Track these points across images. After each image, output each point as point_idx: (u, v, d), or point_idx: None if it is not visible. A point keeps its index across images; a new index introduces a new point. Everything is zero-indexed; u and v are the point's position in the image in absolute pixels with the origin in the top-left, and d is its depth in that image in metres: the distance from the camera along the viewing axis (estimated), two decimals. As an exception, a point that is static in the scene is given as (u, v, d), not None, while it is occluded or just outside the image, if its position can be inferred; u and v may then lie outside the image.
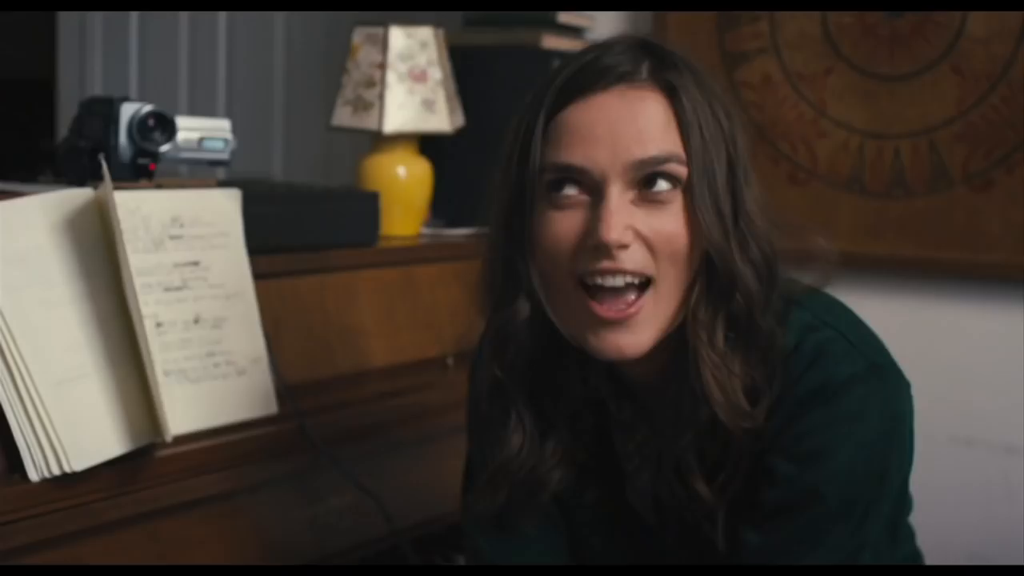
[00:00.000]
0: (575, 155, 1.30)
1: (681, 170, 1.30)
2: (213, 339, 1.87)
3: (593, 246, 1.29)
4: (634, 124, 1.30)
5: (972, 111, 2.46)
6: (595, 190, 1.30)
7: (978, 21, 2.45)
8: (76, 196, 1.72)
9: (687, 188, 1.30)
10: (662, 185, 1.30)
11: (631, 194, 1.30)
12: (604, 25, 2.90)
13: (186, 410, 1.79)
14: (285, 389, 1.95)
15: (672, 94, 1.31)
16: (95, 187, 1.75)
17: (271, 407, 1.92)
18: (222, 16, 4.26)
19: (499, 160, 1.44)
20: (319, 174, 3.90)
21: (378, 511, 1.95)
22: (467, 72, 2.74)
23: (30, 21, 5.44)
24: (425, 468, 2.18)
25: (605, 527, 1.53)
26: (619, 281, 1.30)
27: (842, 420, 1.30)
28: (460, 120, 2.66)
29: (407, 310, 2.37)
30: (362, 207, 2.36)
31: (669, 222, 1.30)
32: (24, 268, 1.61)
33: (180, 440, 1.73)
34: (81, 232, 1.69)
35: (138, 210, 1.82)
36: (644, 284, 1.31)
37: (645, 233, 1.30)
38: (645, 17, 2.81)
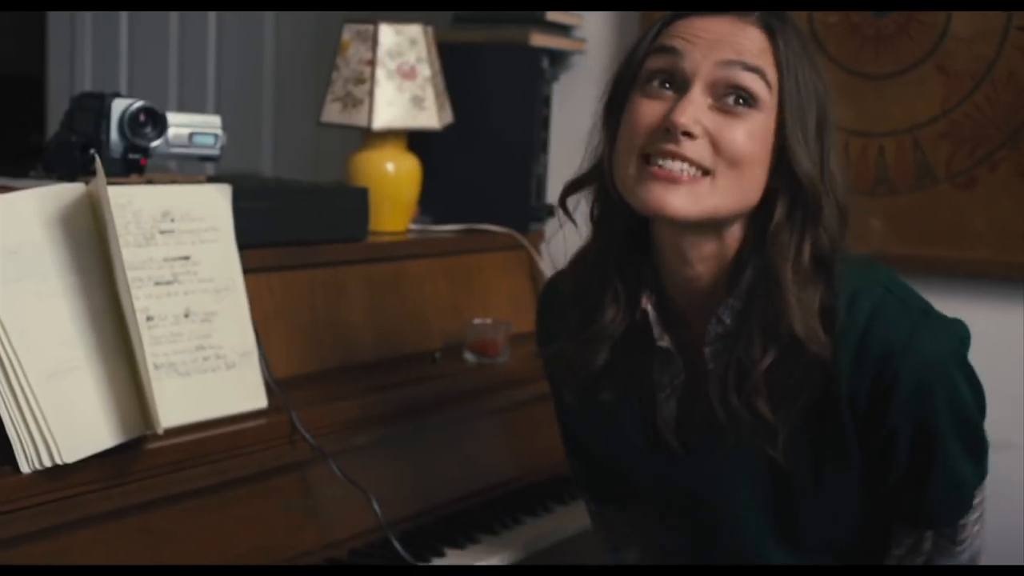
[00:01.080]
0: (675, 42, 1.45)
1: (761, 87, 1.43)
2: (203, 333, 1.88)
3: (665, 128, 1.42)
4: (733, 38, 1.44)
5: (956, 110, 2.48)
6: (683, 86, 1.44)
7: (962, 21, 2.47)
8: (68, 191, 1.73)
9: (778, 115, 1.44)
10: (739, 100, 1.43)
11: (711, 100, 1.43)
12: (592, 23, 2.92)
13: (176, 403, 1.80)
14: (274, 383, 1.96)
15: (774, 36, 1.45)
16: (86, 182, 1.76)
17: (260, 400, 1.93)
18: (212, 13, 4.27)
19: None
20: (309, 170, 3.90)
21: (367, 504, 1.96)
22: (456, 69, 2.76)
23: (20, 17, 5.44)
24: (414, 461, 2.19)
25: (634, 448, 1.66)
26: (677, 166, 1.42)
27: (925, 373, 1.44)
28: (449, 117, 2.68)
29: (395, 305, 2.39)
30: (351, 203, 2.38)
31: (739, 133, 1.42)
32: (17, 262, 1.62)
33: (170, 433, 1.74)
34: (73, 226, 1.71)
35: (129, 205, 1.83)
36: (703, 175, 1.43)
37: (713, 133, 1.42)
38: (632, 17, 2.83)
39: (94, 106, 2.04)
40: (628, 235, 1.54)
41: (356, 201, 2.39)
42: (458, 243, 2.66)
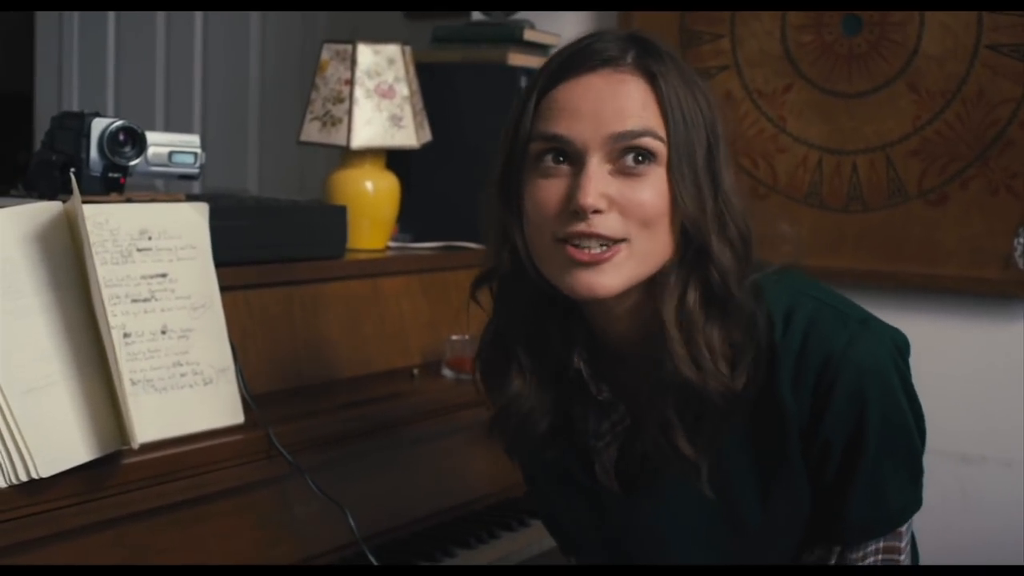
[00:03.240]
0: (560, 126, 1.42)
1: (657, 145, 1.41)
2: (180, 349, 1.90)
3: (572, 211, 1.40)
4: (615, 102, 1.41)
5: (927, 127, 2.52)
6: (577, 160, 1.41)
7: (933, 40, 2.51)
8: (46, 209, 1.75)
9: (667, 164, 1.42)
10: (638, 159, 1.41)
11: (609, 166, 1.41)
12: (570, 42, 2.95)
13: (153, 419, 1.82)
14: (251, 398, 1.98)
15: (653, 79, 1.43)
16: (65, 200, 1.78)
17: (238, 416, 1.95)
18: (198, 31, 4.29)
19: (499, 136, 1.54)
20: (293, 188, 3.93)
21: (343, 519, 1.98)
22: (434, 88, 2.79)
23: (8, 34, 5.46)
24: (390, 477, 2.21)
25: (578, 494, 1.66)
26: (593, 244, 1.40)
27: (860, 379, 1.43)
28: (427, 135, 2.70)
29: (373, 322, 2.41)
30: (329, 221, 2.40)
31: (644, 192, 1.41)
32: (-6, 279, 1.65)
33: (147, 448, 1.75)
34: (51, 244, 1.73)
35: (107, 223, 1.85)
36: (614, 245, 1.42)
37: (620, 201, 1.40)
38: (609, 24, 2.85)
39: (74, 125, 2.06)
40: (536, 307, 1.53)
41: (334, 219, 2.41)
42: (436, 260, 2.68)
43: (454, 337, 2.47)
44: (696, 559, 1.60)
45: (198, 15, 4.28)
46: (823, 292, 1.51)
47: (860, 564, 1.50)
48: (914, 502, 1.51)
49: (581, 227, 1.40)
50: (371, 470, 2.17)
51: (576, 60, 1.44)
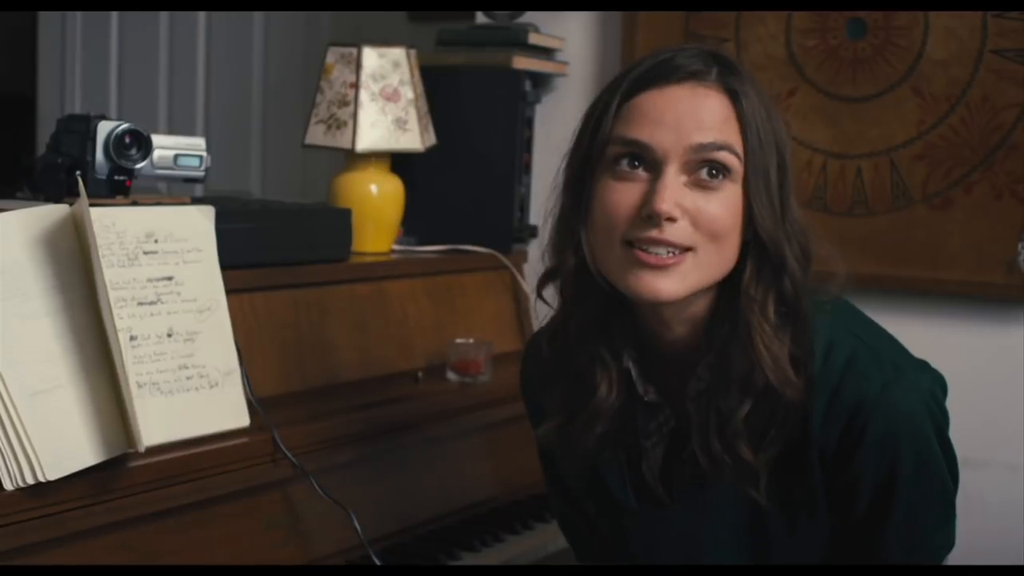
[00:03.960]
0: (643, 133, 1.45)
1: (733, 161, 1.45)
2: (186, 352, 1.91)
3: (646, 215, 1.43)
4: (697, 114, 1.45)
5: (932, 131, 2.52)
6: (655, 167, 1.44)
7: (938, 44, 2.51)
8: (52, 212, 1.75)
9: (743, 180, 1.46)
10: (712, 173, 1.44)
11: (685, 177, 1.44)
12: (574, 46, 2.95)
13: (159, 421, 1.83)
14: (257, 401, 1.98)
15: (735, 97, 1.47)
16: (71, 203, 1.79)
17: (243, 419, 1.95)
18: (201, 34, 4.29)
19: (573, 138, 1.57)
20: (296, 191, 3.93)
21: (348, 522, 1.98)
22: (439, 91, 2.79)
23: (11, 36, 5.46)
24: (396, 480, 2.22)
25: (619, 505, 1.66)
26: (662, 251, 1.44)
27: (894, 426, 1.46)
28: (432, 139, 2.71)
29: (378, 325, 2.41)
30: (334, 224, 2.41)
31: (716, 206, 1.44)
32: (1, 282, 1.65)
33: (153, 451, 1.76)
34: (57, 247, 1.73)
35: (113, 226, 1.85)
36: (683, 251, 1.45)
37: (692, 211, 1.44)
38: (615, 37, 2.85)
39: (80, 128, 2.06)
40: (605, 306, 1.54)
41: (339, 222, 2.42)
42: (441, 263, 2.68)
43: (459, 340, 2.47)
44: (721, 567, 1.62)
45: (201, 16, 4.28)
46: (864, 329, 1.54)
47: None
48: (948, 543, 1.54)
49: (653, 233, 1.43)
50: (376, 473, 2.17)
51: (661, 70, 1.47)
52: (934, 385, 1.52)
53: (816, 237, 1.54)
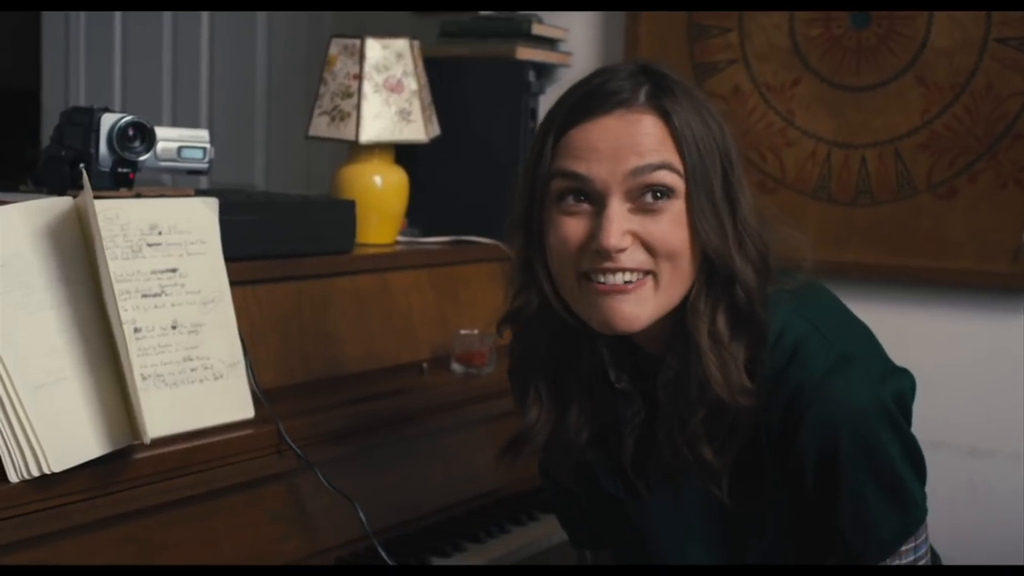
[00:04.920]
0: (579, 165, 1.46)
1: (674, 179, 1.45)
2: (190, 344, 1.91)
3: (595, 250, 1.44)
4: (631, 140, 1.45)
5: (936, 121, 2.51)
6: (598, 200, 1.46)
7: (942, 33, 2.50)
8: (56, 204, 1.75)
9: (686, 197, 1.46)
10: (656, 195, 1.45)
11: (629, 204, 1.45)
12: (578, 36, 2.95)
13: (164, 413, 1.83)
14: (261, 393, 1.98)
15: (666, 116, 1.46)
16: (75, 195, 1.79)
17: (247, 411, 1.95)
18: (204, 27, 4.29)
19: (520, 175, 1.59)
20: (300, 183, 3.93)
21: (353, 513, 1.98)
22: (442, 82, 2.79)
23: (16, 31, 5.46)
24: (400, 471, 2.22)
25: (610, 498, 1.68)
26: (619, 278, 1.45)
27: (832, 413, 1.46)
28: (436, 130, 2.70)
29: (382, 316, 2.41)
30: (338, 215, 2.41)
31: (665, 227, 1.45)
32: (5, 274, 1.65)
33: (157, 443, 1.76)
34: (61, 239, 1.73)
35: (117, 218, 1.85)
36: (640, 279, 1.46)
37: (643, 236, 1.45)
38: (618, 27, 2.85)
39: (83, 121, 2.06)
40: (571, 330, 1.56)
41: (343, 213, 2.42)
42: (445, 255, 2.68)
43: (463, 332, 2.47)
44: (704, 559, 1.63)
45: (205, 9, 4.28)
46: (825, 317, 1.53)
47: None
48: (902, 532, 1.52)
49: (606, 264, 1.45)
50: (381, 464, 2.17)
51: (590, 102, 1.48)
52: (891, 379, 1.51)
53: (780, 227, 1.54)
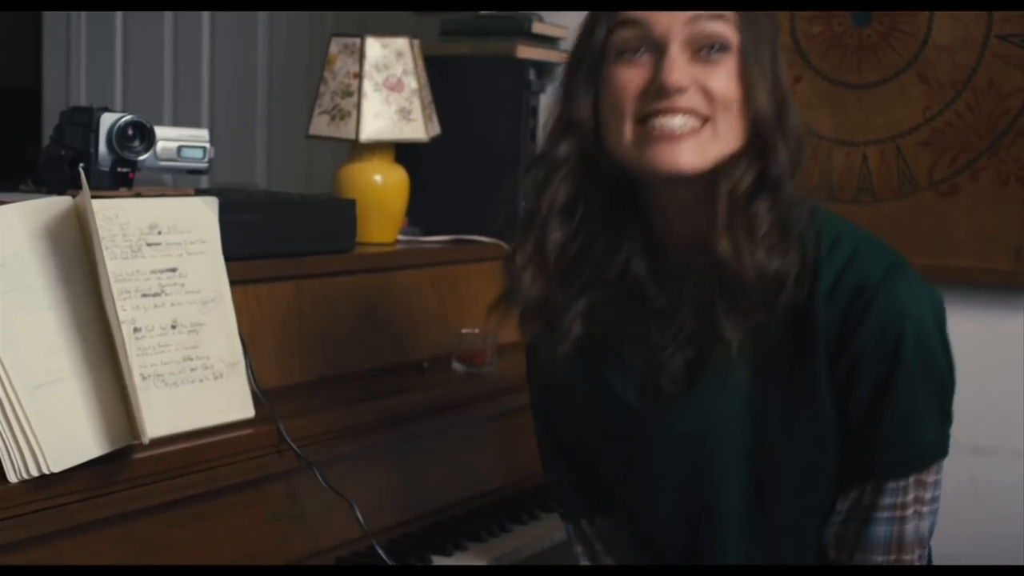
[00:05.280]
0: (638, 14, 1.49)
1: (731, 32, 1.49)
2: (190, 344, 1.90)
3: (656, 89, 1.48)
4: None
5: (937, 118, 2.51)
6: (658, 48, 1.49)
7: (943, 30, 2.50)
8: (55, 204, 1.75)
9: (739, 53, 1.49)
10: (712, 48, 1.49)
11: (688, 54, 1.49)
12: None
13: (163, 413, 1.82)
14: (262, 393, 1.98)
15: None
16: (75, 195, 1.78)
17: (248, 410, 1.95)
18: (205, 26, 4.29)
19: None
20: (301, 182, 3.93)
21: (353, 513, 1.98)
22: (443, 81, 2.78)
23: (16, 30, 5.46)
24: (400, 471, 2.21)
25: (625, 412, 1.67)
26: (676, 120, 1.48)
27: (895, 310, 1.49)
28: (436, 129, 2.70)
29: (383, 315, 2.41)
30: (339, 214, 2.40)
31: (722, 77, 1.49)
32: (3, 274, 1.64)
33: (157, 443, 1.75)
34: (60, 239, 1.73)
35: (116, 217, 1.85)
36: (699, 127, 1.49)
37: (701, 82, 1.48)
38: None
39: (83, 120, 2.06)
40: (610, 204, 1.59)
41: (343, 212, 2.41)
42: (446, 254, 2.68)
43: (464, 331, 2.47)
44: (726, 478, 1.62)
45: (206, 9, 4.28)
46: (871, 233, 1.58)
47: (903, 507, 1.54)
48: (942, 445, 1.56)
49: (664, 104, 1.47)
50: (382, 464, 2.17)
51: None
52: (937, 296, 1.56)
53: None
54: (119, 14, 4.47)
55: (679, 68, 1.47)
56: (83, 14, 4.56)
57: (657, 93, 1.47)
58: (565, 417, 1.79)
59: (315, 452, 1.99)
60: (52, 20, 4.67)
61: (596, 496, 1.82)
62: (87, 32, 4.59)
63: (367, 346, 2.36)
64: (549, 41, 2.91)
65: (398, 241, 2.68)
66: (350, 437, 2.10)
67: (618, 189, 1.58)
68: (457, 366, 2.45)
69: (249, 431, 1.93)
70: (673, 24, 1.48)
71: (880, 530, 1.55)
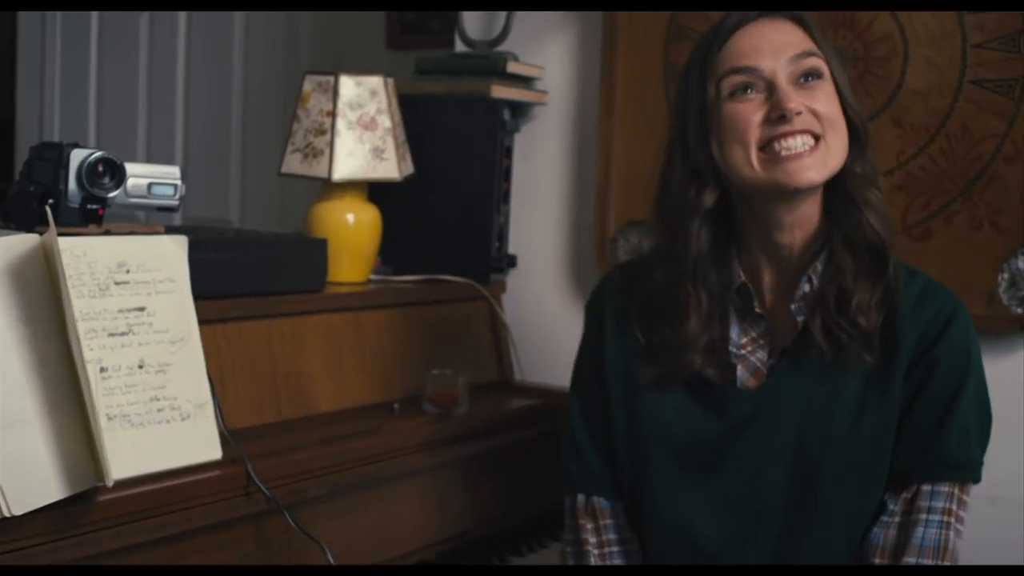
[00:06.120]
0: (748, 60, 1.77)
1: (822, 64, 1.78)
2: (158, 384, 1.88)
3: (776, 116, 1.73)
4: (781, 38, 1.79)
5: (911, 162, 2.51)
6: (767, 87, 1.76)
7: (917, 74, 2.50)
8: (21, 241, 1.73)
9: (831, 77, 1.79)
10: (808, 77, 1.77)
11: (793, 87, 1.76)
12: (553, 75, 2.94)
13: (130, 454, 1.80)
14: (230, 433, 1.96)
15: (799, 20, 1.82)
16: (42, 232, 1.76)
17: (215, 452, 1.92)
18: (180, 63, 4.29)
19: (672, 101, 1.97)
20: (275, 217, 3.92)
21: (322, 554, 1.96)
22: (417, 120, 2.78)
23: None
24: (371, 512, 2.19)
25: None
26: (797, 142, 1.74)
27: (968, 333, 1.80)
28: (409, 168, 2.69)
29: (354, 356, 2.40)
30: (310, 254, 2.39)
31: (823, 99, 1.77)
32: (-33, 313, 1.63)
33: (123, 484, 1.73)
34: (25, 277, 1.71)
35: (84, 256, 1.83)
36: (815, 144, 1.75)
37: (809, 105, 1.75)
38: (594, 66, 2.85)
39: (53, 156, 2.04)
40: (712, 232, 1.83)
41: (315, 252, 2.40)
42: (418, 293, 2.66)
43: (435, 371, 2.45)
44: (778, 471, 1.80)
45: (181, 43, 4.28)
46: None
47: (941, 518, 1.74)
48: (980, 469, 1.78)
49: (784, 128, 1.73)
50: (352, 505, 2.15)
51: (737, 19, 1.81)
52: None
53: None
54: (94, 47, 4.47)
55: (793, 95, 1.73)
56: (57, 44, 4.56)
57: (779, 119, 1.73)
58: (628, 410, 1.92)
59: (284, 494, 1.97)
60: (26, 51, 4.66)
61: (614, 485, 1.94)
62: (61, 63, 4.58)
63: (337, 386, 2.34)
64: (524, 80, 2.91)
65: (370, 280, 2.66)
66: (319, 478, 2.08)
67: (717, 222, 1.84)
68: (428, 407, 2.43)
69: (217, 472, 1.91)
70: (777, 64, 1.76)
71: (931, 532, 1.74)
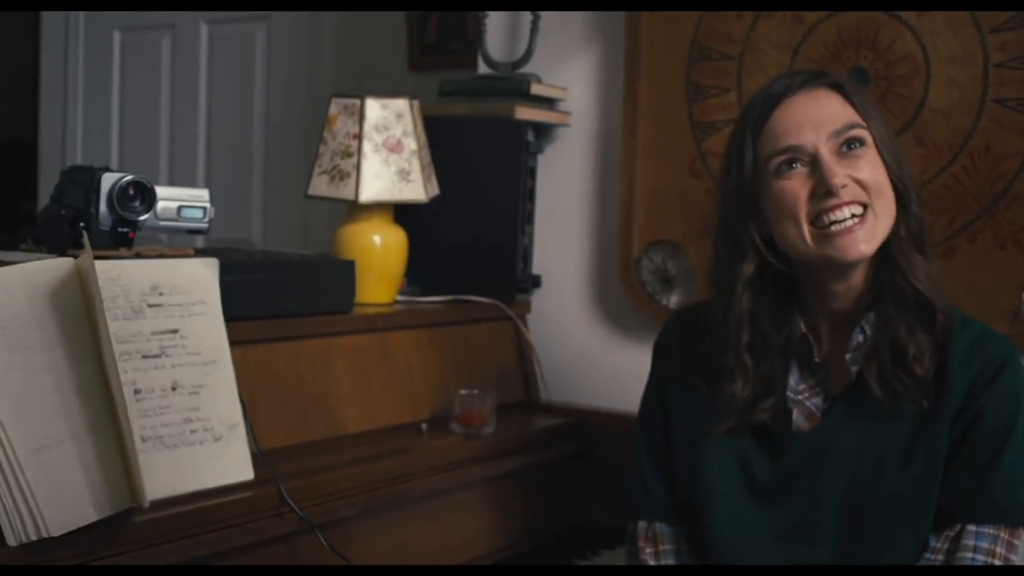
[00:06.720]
0: (791, 139, 1.81)
1: (864, 133, 1.82)
2: (190, 405, 1.90)
3: (823, 192, 1.78)
4: (822, 110, 1.83)
5: (934, 180, 2.52)
6: (811, 162, 1.80)
7: (939, 93, 2.51)
8: (56, 265, 1.75)
9: (875, 144, 1.82)
10: (852, 146, 1.81)
11: (835, 157, 1.80)
12: (577, 96, 2.95)
13: (164, 476, 1.81)
14: (262, 454, 1.98)
15: (839, 88, 1.85)
16: (75, 255, 1.78)
17: (248, 472, 1.94)
18: (202, 84, 4.31)
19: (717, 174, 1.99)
20: (298, 240, 3.94)
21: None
22: (442, 142, 2.80)
23: (13, 82, 5.48)
24: (400, 531, 2.21)
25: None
26: (846, 213, 1.78)
27: (1013, 385, 1.81)
28: (435, 189, 2.71)
29: (382, 376, 2.41)
30: (337, 275, 2.41)
31: (867, 167, 1.81)
32: (4, 337, 1.64)
33: (157, 505, 1.75)
34: (61, 301, 1.73)
35: (118, 279, 1.85)
36: (862, 214, 1.79)
37: (854, 176, 1.79)
38: (617, 87, 2.86)
39: (84, 180, 2.06)
40: (756, 295, 1.88)
41: (342, 273, 2.42)
42: (444, 314, 2.68)
43: (463, 391, 2.47)
44: (832, 506, 1.84)
45: (203, 64, 4.30)
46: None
47: (986, 559, 1.77)
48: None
49: (832, 201, 1.77)
50: (381, 525, 2.16)
51: (778, 93, 1.84)
52: None
53: None
54: (116, 68, 4.49)
55: (838, 170, 1.77)
56: (80, 67, 4.58)
57: (825, 194, 1.77)
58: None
59: (316, 514, 1.98)
60: (49, 73, 4.69)
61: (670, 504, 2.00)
62: (84, 86, 4.61)
63: (366, 407, 2.36)
64: (547, 102, 2.92)
65: (396, 301, 2.68)
66: (349, 499, 2.09)
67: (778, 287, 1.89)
68: (455, 427, 2.44)
69: (250, 493, 1.93)
70: (819, 138, 1.79)
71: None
